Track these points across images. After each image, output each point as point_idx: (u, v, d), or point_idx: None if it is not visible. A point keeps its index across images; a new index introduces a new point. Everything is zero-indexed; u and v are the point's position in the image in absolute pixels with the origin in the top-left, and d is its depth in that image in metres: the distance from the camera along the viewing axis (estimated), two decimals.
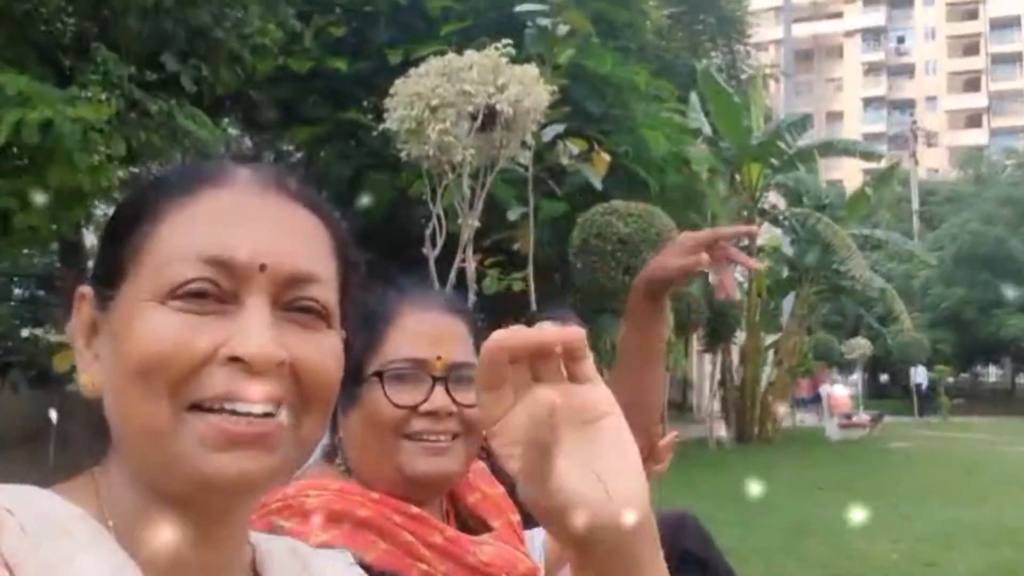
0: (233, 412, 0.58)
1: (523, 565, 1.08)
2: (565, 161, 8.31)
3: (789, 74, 26.99)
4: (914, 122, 46.37)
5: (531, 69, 6.71)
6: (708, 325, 15.10)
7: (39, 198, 6.09)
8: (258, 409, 0.58)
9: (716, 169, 15.23)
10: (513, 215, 8.42)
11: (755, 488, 9.01)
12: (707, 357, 19.53)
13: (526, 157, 7.31)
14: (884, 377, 38.47)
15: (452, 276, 6.79)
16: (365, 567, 0.95)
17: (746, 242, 18.10)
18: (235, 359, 0.58)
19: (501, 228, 8.70)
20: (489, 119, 6.47)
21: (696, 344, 18.03)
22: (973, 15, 58.95)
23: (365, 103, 11.18)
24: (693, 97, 15.96)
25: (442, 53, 6.87)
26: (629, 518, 0.54)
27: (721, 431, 17.03)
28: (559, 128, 8.17)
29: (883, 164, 19.58)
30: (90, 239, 9.64)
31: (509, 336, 0.54)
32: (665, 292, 1.41)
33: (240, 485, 0.58)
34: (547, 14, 9.19)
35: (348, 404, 1.07)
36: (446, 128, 6.30)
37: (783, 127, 16.44)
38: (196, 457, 0.57)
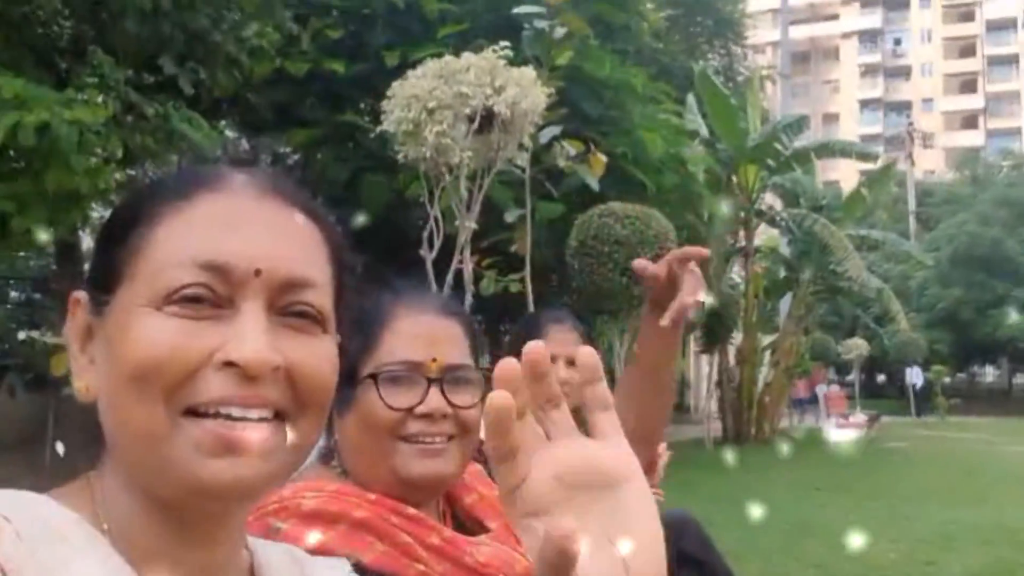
0: (229, 417, 0.58)
1: (520, 565, 1.08)
2: (562, 163, 8.30)
3: (786, 76, 27.01)
4: (910, 123, 46.47)
5: (529, 71, 6.71)
6: (705, 326, 15.13)
7: (36, 201, 6.09)
8: (254, 414, 0.58)
9: (713, 170, 15.25)
10: (510, 217, 8.41)
11: (753, 488, 9.03)
12: (704, 358, 19.56)
13: (523, 159, 7.31)
14: (881, 377, 38.53)
15: (449, 277, 6.79)
16: (362, 568, 0.95)
17: (743, 243, 18.16)
18: (231, 364, 0.57)
19: (498, 230, 8.70)
20: (486, 121, 6.47)
21: (693, 345, 18.04)
22: (969, 17, 59.06)
23: (362, 105, 11.18)
24: (690, 99, 15.98)
25: (439, 55, 6.86)
26: None
27: (718, 431, 17.05)
28: (556, 130, 8.17)
29: (879, 165, 19.60)
30: (87, 242, 9.63)
31: (504, 371, 0.49)
32: (660, 308, 1.38)
33: (235, 490, 0.58)
34: (545, 16, 9.19)
35: (344, 406, 1.07)
36: (443, 130, 6.30)
37: (780, 129, 16.45)
38: (191, 462, 0.57)
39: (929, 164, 52.43)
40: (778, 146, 16.35)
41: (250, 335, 0.58)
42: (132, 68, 7.36)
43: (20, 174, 6.19)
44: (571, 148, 8.34)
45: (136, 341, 0.58)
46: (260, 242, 0.61)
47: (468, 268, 6.95)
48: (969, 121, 58.63)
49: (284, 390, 0.60)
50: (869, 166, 18.64)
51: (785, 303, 19.83)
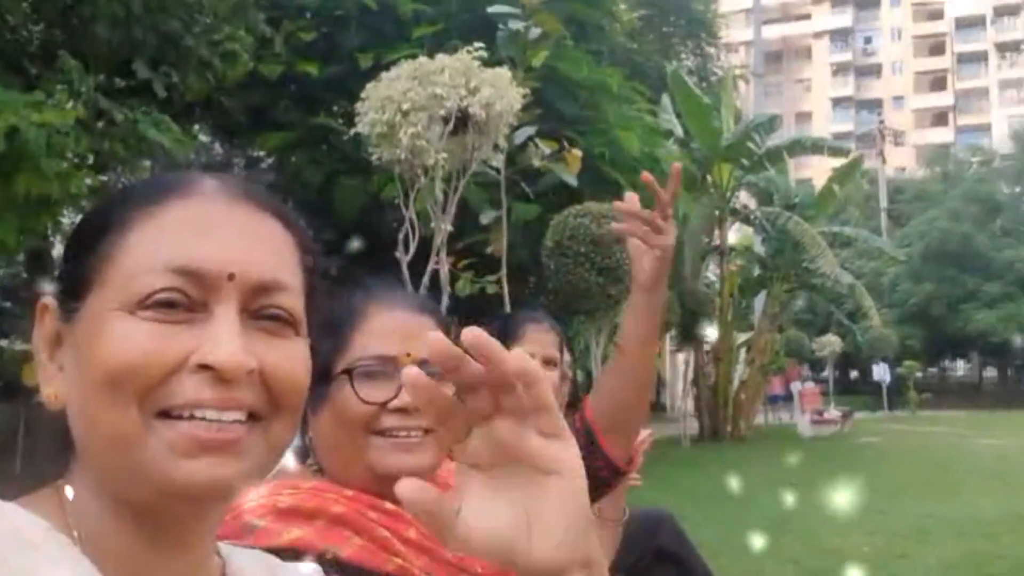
0: (203, 419, 0.58)
1: None
2: (537, 163, 8.32)
3: (759, 75, 27.23)
4: (881, 121, 46.89)
5: (503, 72, 6.72)
6: (680, 324, 15.20)
7: (6, 207, 6.00)
8: (228, 416, 0.58)
9: (688, 170, 15.34)
10: (486, 219, 8.42)
11: (729, 485, 9.09)
12: (680, 356, 19.67)
13: (499, 160, 7.31)
14: (854, 373, 38.89)
15: (426, 279, 6.79)
16: (341, 562, 0.95)
17: (718, 241, 18.25)
18: (206, 367, 0.58)
19: (474, 231, 8.70)
20: (461, 122, 6.47)
21: (669, 344, 18.14)
22: (938, 15, 59.77)
23: (336, 108, 11.14)
24: (665, 99, 16.05)
25: (413, 57, 6.85)
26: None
27: (694, 429, 17.13)
28: (531, 131, 8.19)
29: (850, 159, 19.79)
30: (58, 249, 9.52)
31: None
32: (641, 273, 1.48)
33: (209, 491, 0.58)
34: (519, 17, 9.20)
35: (318, 404, 1.07)
36: (418, 132, 6.29)
37: (753, 128, 16.58)
38: (165, 464, 0.57)
39: (900, 161, 52.97)
40: (751, 145, 16.47)
41: (225, 338, 0.58)
42: (104, 73, 7.28)
43: None
44: (546, 148, 8.35)
45: (109, 345, 0.58)
46: (232, 246, 0.61)
47: (444, 270, 6.95)
48: (939, 118, 59.33)
49: (259, 392, 0.60)
50: (841, 161, 18.83)
51: (760, 301, 19.97)
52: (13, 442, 8.78)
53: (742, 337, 19.42)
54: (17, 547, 0.55)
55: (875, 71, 61.62)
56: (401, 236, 6.87)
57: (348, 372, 1.06)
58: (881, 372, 27.94)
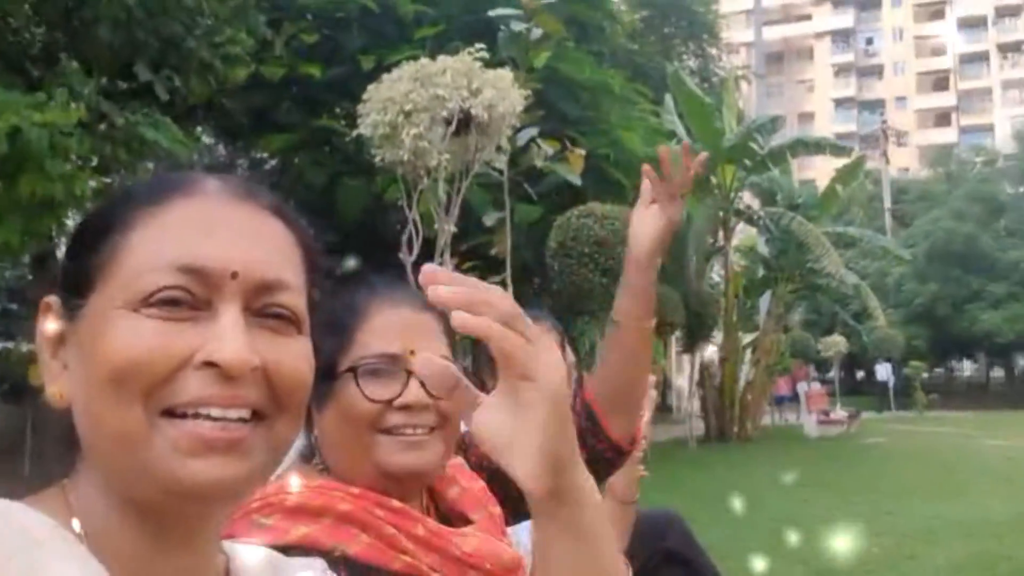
0: (208, 417, 0.58)
1: (507, 555, 1.08)
2: (539, 163, 8.32)
3: (760, 76, 27.21)
4: (884, 122, 46.84)
5: (505, 73, 6.72)
6: (686, 326, 15.19)
7: (11, 210, 6.01)
8: (233, 414, 0.58)
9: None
10: (489, 220, 8.42)
11: (736, 486, 9.07)
12: (686, 358, 19.65)
13: (501, 161, 7.31)
14: (860, 374, 38.85)
15: None
16: (348, 560, 0.95)
17: (722, 242, 18.25)
18: (210, 365, 0.58)
19: (478, 232, 8.71)
20: (463, 123, 6.47)
21: (674, 345, 18.13)
22: (940, 15, 59.77)
23: (338, 109, 11.16)
24: (668, 100, 16.07)
25: (415, 58, 6.86)
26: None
27: (700, 430, 17.12)
28: (534, 131, 8.19)
29: (853, 158, 19.77)
30: (62, 251, 9.54)
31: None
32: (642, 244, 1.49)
33: (215, 490, 0.58)
34: (521, 18, 9.21)
35: (323, 402, 1.06)
36: (420, 133, 6.30)
37: (755, 128, 16.58)
38: (170, 463, 0.57)
39: (903, 161, 52.96)
40: (754, 146, 16.47)
41: (229, 336, 0.58)
42: (106, 75, 7.30)
43: None
44: (548, 148, 8.36)
45: (114, 342, 0.58)
46: (235, 245, 0.62)
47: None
48: (942, 118, 59.29)
49: (262, 390, 0.60)
50: (844, 162, 18.82)
51: (765, 301, 19.96)
52: (21, 443, 8.81)
53: (747, 338, 19.42)
54: (24, 545, 0.55)
55: (877, 72, 61.60)
56: (405, 237, 6.87)
57: (353, 370, 1.05)
58: (884, 372, 27.91)
